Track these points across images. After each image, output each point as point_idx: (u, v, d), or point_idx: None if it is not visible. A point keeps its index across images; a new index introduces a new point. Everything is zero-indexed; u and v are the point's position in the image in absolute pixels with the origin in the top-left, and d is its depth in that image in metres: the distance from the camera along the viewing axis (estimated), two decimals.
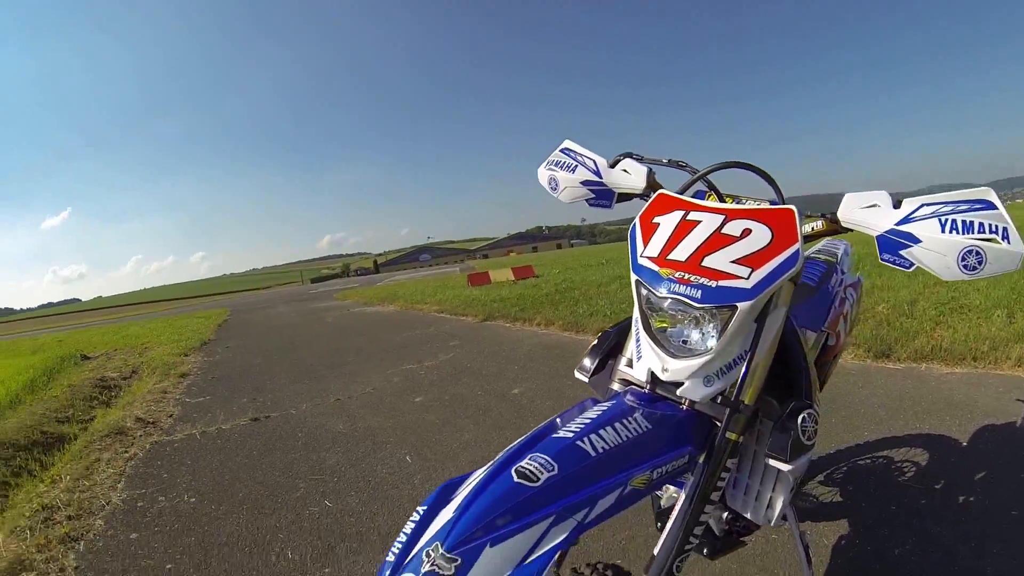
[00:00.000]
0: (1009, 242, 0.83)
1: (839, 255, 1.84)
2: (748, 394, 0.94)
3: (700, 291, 0.88)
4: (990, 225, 0.84)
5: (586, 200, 1.36)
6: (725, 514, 1.12)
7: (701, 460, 0.94)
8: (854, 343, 4.16)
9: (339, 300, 19.17)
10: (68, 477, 3.86)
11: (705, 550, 1.15)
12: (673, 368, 0.92)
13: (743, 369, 0.92)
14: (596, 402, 0.98)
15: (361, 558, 2.23)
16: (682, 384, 0.93)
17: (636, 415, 0.90)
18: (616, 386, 1.08)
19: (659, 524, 1.21)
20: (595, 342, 1.18)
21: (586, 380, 1.17)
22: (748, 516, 1.07)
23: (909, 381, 3.47)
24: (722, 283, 0.88)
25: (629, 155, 1.30)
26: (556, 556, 0.71)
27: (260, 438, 4.30)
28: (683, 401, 0.96)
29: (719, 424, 0.94)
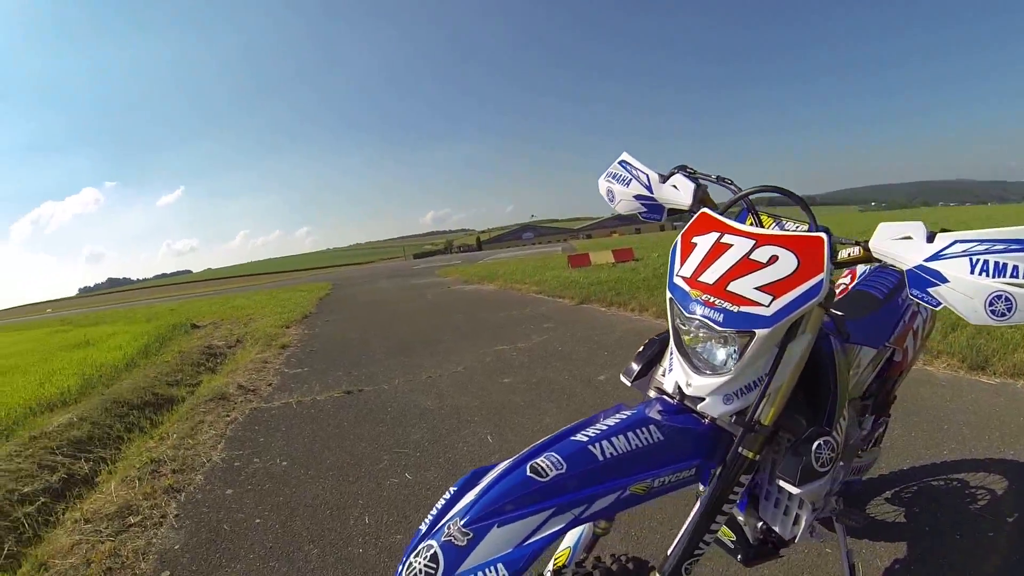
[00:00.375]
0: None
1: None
2: (768, 415, 1.07)
3: (722, 315, 1.03)
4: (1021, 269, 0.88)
5: (639, 213, 1.58)
6: (760, 523, 1.29)
7: (718, 472, 1.09)
8: (948, 352, 4.33)
9: (440, 277, 20.84)
10: (174, 435, 4.60)
11: (739, 556, 1.37)
12: (696, 384, 1.09)
13: (761, 391, 1.06)
14: (624, 408, 1.15)
15: None
16: (703, 400, 1.09)
17: (651, 426, 1.06)
18: (652, 393, 1.24)
19: None
20: (641, 348, 1.35)
21: (629, 384, 1.35)
22: (776, 529, 1.24)
23: (1002, 398, 3.50)
24: (743, 309, 1.02)
25: (683, 168, 1.48)
26: (556, 541, 0.90)
27: (352, 410, 4.77)
28: (705, 415, 1.11)
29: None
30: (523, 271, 16.55)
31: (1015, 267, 0.89)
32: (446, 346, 7.14)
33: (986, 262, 0.92)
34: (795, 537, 1.25)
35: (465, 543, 0.86)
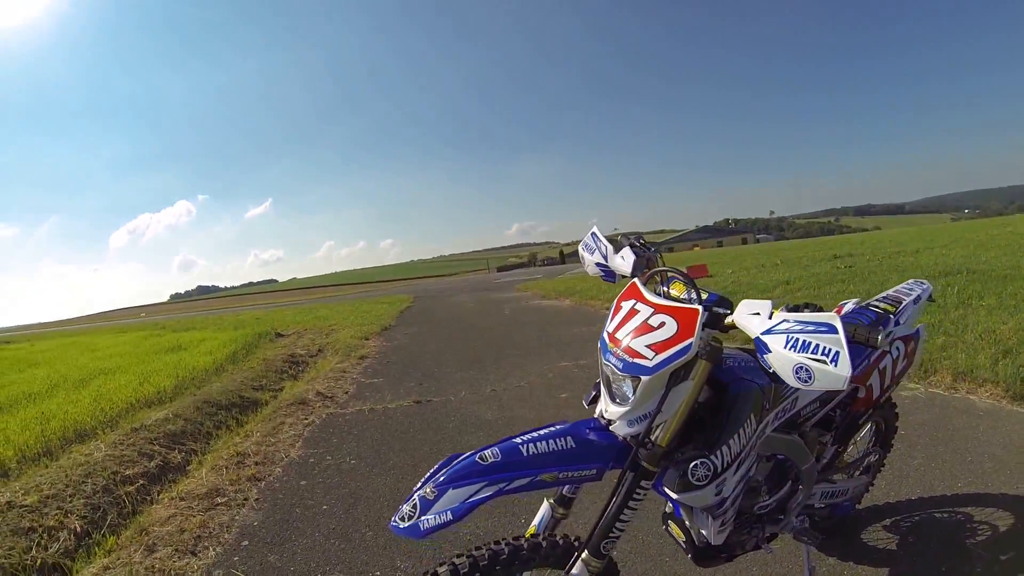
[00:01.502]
0: (836, 365, 1.22)
1: (904, 303, 2.29)
2: (664, 438, 1.53)
3: (622, 363, 1.52)
4: (824, 348, 1.25)
5: (600, 276, 2.09)
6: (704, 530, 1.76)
7: (628, 476, 1.57)
8: (993, 380, 4.42)
9: (519, 291, 21.63)
10: (258, 434, 5.34)
11: (690, 555, 1.85)
12: (610, 410, 1.57)
13: (650, 421, 1.51)
14: (564, 422, 1.64)
15: (472, 526, 3.02)
16: (614, 422, 1.57)
17: (568, 436, 1.55)
18: (596, 414, 1.70)
19: (665, 525, 1.92)
20: (598, 380, 1.74)
21: (586, 407, 1.85)
22: (704, 533, 1.74)
23: None
24: (635, 360, 1.50)
25: (637, 236, 2.05)
26: (484, 501, 1.42)
27: (419, 418, 5.35)
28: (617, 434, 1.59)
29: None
30: (598, 287, 17.21)
31: (816, 345, 1.26)
32: (514, 361, 7.67)
33: (796, 340, 1.28)
34: (741, 545, 1.92)
35: (432, 498, 1.42)
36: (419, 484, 1.50)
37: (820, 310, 1.41)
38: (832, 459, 2.23)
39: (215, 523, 3.38)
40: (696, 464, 1.55)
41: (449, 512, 1.39)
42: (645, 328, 1.55)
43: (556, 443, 1.54)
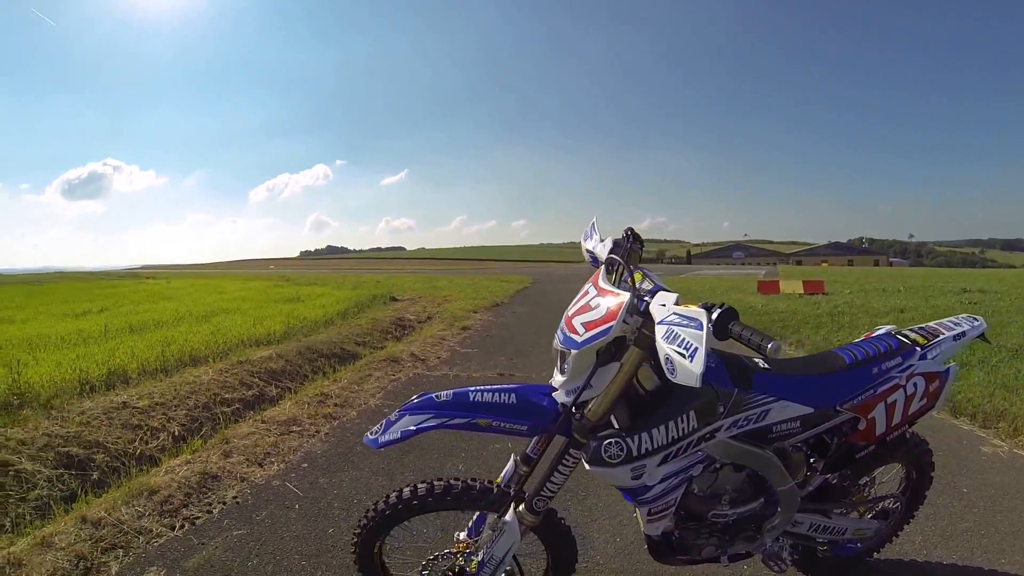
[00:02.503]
0: (691, 361, 1.37)
1: (941, 337, 2.25)
2: (594, 412, 1.74)
3: (562, 336, 1.77)
4: (686, 342, 1.40)
5: (589, 261, 2.26)
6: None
7: (564, 443, 1.83)
8: None
9: None
10: (345, 381, 5.98)
11: (646, 545, 2.07)
12: (555, 379, 1.80)
13: (579, 392, 1.72)
14: (518, 384, 1.91)
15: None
16: (556, 389, 1.80)
17: (513, 394, 1.83)
18: None
19: (634, 512, 2.03)
20: None
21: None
22: (639, 520, 1.96)
23: None
24: (570, 335, 1.73)
25: (629, 230, 2.21)
26: (432, 427, 1.76)
27: None
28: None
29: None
30: (713, 289, 17.25)
31: (682, 339, 1.42)
32: None
33: (670, 331, 1.46)
34: (698, 549, 2.10)
35: (394, 420, 1.79)
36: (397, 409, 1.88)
37: (732, 311, 1.57)
38: (829, 490, 2.25)
39: (285, 446, 3.95)
40: (610, 442, 1.74)
41: (399, 432, 1.77)
42: (585, 308, 1.79)
43: (500, 397, 1.83)
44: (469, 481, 1.92)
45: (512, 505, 1.89)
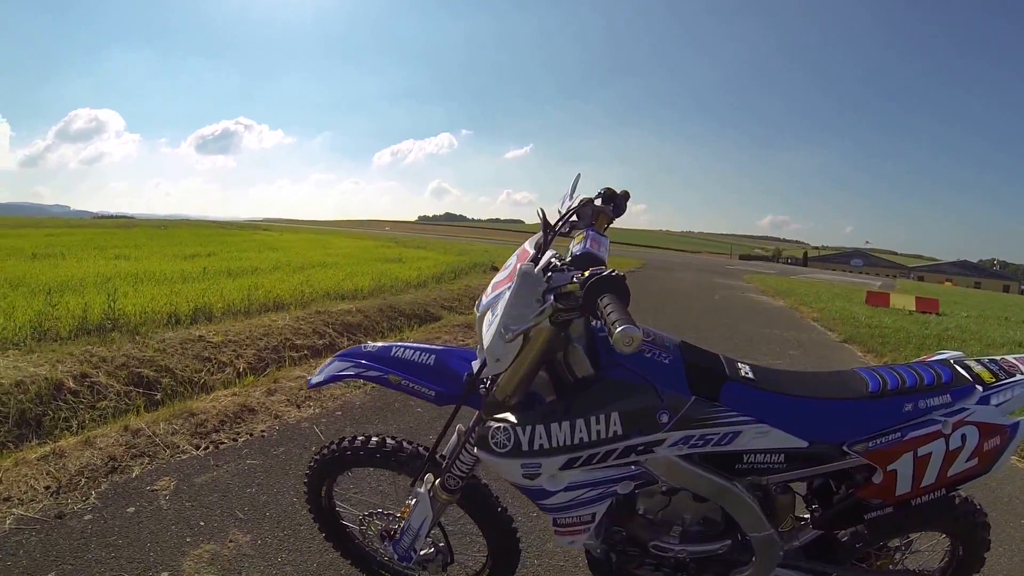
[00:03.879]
0: (489, 337, 1.40)
1: (1015, 379, 1.71)
2: (500, 389, 1.57)
3: (480, 302, 1.67)
4: (503, 311, 1.40)
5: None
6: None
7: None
8: None
9: (743, 282, 21.11)
10: (411, 340, 6.37)
11: (591, 568, 1.87)
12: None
13: (484, 364, 1.53)
14: (448, 347, 1.87)
15: None
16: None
17: (433, 356, 1.79)
18: None
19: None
20: None
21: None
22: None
23: None
24: (482, 296, 1.66)
25: (606, 191, 2.00)
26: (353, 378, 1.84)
27: None
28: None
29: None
30: (817, 295, 16.80)
31: (498, 310, 1.44)
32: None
33: (494, 300, 1.52)
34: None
35: (328, 363, 1.88)
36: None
37: (613, 282, 1.38)
38: (834, 548, 1.84)
39: (328, 393, 4.29)
40: (499, 427, 1.55)
41: (325, 375, 1.85)
42: (505, 273, 1.68)
43: (419, 357, 1.79)
44: (404, 443, 1.88)
45: (429, 477, 1.81)
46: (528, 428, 1.54)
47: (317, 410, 3.97)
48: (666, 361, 1.59)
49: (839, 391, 1.70)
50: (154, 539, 2.28)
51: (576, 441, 1.53)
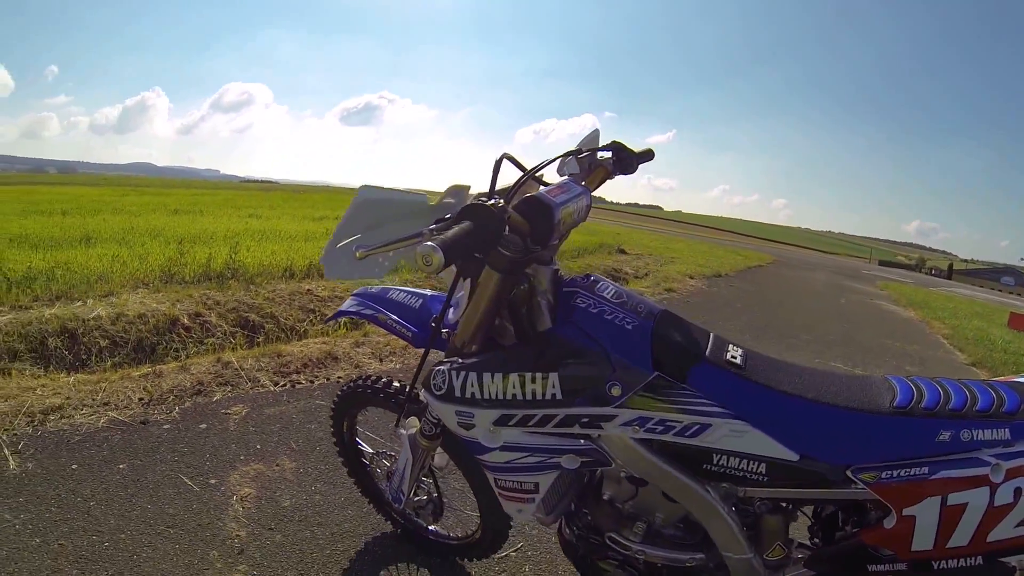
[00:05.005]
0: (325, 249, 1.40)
1: None
2: (458, 334, 1.47)
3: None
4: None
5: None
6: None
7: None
8: None
9: (876, 288, 19.60)
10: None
11: (562, 546, 1.74)
12: None
13: (444, 306, 1.53)
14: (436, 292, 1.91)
15: None
16: None
17: (421, 300, 1.81)
18: None
19: None
20: None
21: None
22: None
23: None
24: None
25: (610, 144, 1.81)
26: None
27: None
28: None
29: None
30: (955, 311, 15.15)
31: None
32: (785, 345, 7.28)
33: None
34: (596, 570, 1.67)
35: (351, 302, 1.94)
36: None
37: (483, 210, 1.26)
38: None
39: (411, 350, 4.56)
40: (441, 368, 1.47)
41: (336, 312, 1.98)
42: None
43: (409, 300, 1.83)
44: (407, 385, 1.83)
45: (413, 421, 1.84)
46: (463, 374, 1.44)
47: (397, 365, 4.26)
48: (629, 327, 1.39)
49: (853, 398, 1.37)
50: (214, 452, 2.62)
51: (509, 397, 1.41)
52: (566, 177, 1.60)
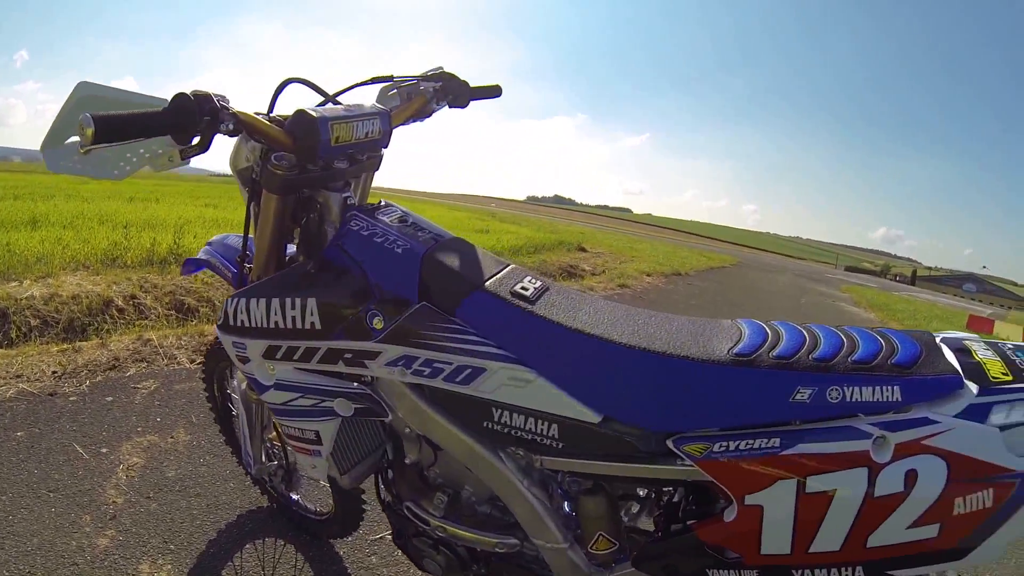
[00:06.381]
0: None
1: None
2: (253, 268, 1.38)
3: None
4: None
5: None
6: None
7: None
8: None
9: (838, 291, 20.15)
10: None
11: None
12: None
13: (244, 240, 1.46)
14: None
15: None
16: None
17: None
18: None
19: None
20: None
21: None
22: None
23: None
24: None
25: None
26: None
27: None
28: None
29: None
30: (914, 313, 15.73)
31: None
32: None
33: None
34: (404, 543, 1.49)
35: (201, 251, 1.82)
36: None
37: None
38: None
39: None
40: (231, 298, 1.35)
41: (188, 259, 1.84)
42: None
43: (240, 243, 1.59)
44: None
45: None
46: (235, 301, 1.30)
47: None
48: (399, 250, 1.21)
49: (679, 344, 1.06)
50: (113, 424, 2.71)
51: (271, 325, 1.25)
52: (368, 110, 1.41)
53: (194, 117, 1.07)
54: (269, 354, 1.29)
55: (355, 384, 1.28)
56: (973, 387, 0.92)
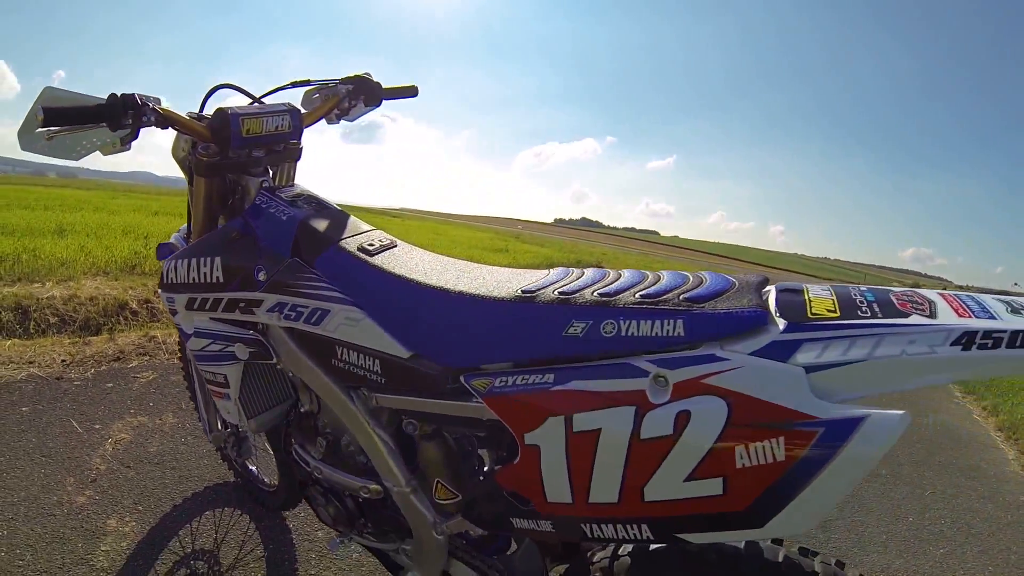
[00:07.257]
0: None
1: (886, 322, 0.76)
2: (190, 241, 1.61)
3: None
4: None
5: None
6: None
7: None
8: None
9: None
10: None
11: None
12: None
13: (189, 217, 1.64)
14: None
15: None
16: None
17: None
18: None
19: None
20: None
21: None
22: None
23: None
24: None
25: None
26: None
27: None
28: None
29: None
30: None
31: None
32: None
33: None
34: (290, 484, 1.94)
35: None
36: None
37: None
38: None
39: None
40: (170, 263, 1.54)
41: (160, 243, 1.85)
42: None
43: None
44: None
45: None
46: (171, 263, 1.52)
47: None
48: (284, 217, 1.40)
49: (485, 286, 1.12)
50: (110, 406, 2.97)
51: (191, 280, 1.45)
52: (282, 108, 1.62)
53: (118, 110, 1.29)
54: (189, 305, 1.49)
55: (251, 332, 1.43)
56: (781, 323, 0.81)
